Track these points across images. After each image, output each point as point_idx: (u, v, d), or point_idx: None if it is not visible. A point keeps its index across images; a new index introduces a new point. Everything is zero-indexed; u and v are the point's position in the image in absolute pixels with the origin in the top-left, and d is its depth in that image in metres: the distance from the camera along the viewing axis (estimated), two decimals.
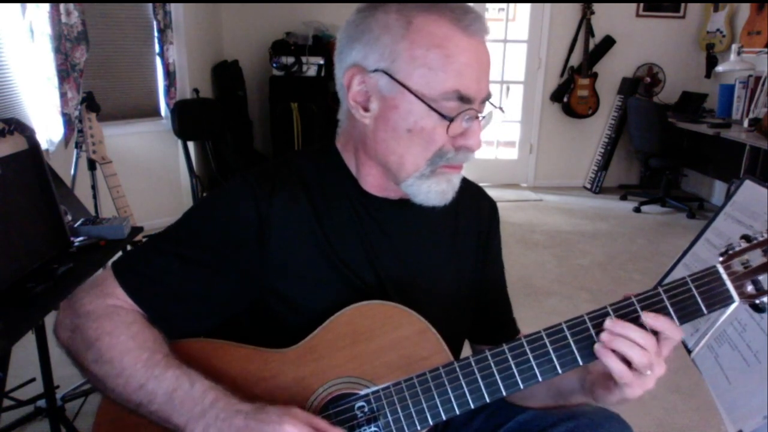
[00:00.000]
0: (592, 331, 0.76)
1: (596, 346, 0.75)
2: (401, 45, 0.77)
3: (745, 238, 0.75)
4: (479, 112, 0.81)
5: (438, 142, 0.80)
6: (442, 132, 0.79)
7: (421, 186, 0.82)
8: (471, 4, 0.80)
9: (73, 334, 0.79)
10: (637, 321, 0.74)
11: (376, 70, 0.79)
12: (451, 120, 0.78)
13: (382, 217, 0.89)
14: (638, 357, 0.72)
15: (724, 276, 0.74)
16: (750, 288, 0.74)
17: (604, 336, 0.74)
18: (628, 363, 0.73)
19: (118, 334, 0.77)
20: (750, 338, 0.91)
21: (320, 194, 0.87)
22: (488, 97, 0.82)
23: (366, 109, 0.82)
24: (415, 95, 0.77)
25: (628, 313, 0.75)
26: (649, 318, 0.73)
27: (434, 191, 0.83)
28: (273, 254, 0.83)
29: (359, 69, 0.80)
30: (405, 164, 0.81)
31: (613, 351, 0.73)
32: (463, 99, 0.78)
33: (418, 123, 0.78)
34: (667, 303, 0.75)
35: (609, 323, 0.74)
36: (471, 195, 0.97)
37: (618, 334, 0.73)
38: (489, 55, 0.81)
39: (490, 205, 1.03)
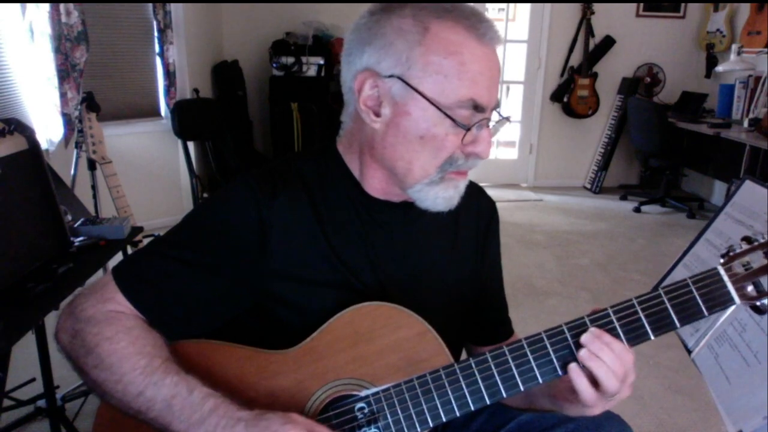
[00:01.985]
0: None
1: (570, 365, 0.75)
2: (417, 51, 0.76)
3: (746, 239, 0.75)
4: (489, 119, 0.82)
5: (449, 149, 0.80)
6: (453, 139, 0.79)
7: (428, 192, 0.82)
8: (472, 5, 0.80)
9: (73, 340, 0.79)
10: (639, 328, 0.75)
11: (390, 76, 0.78)
12: (467, 129, 0.78)
13: (383, 219, 0.89)
14: (608, 381, 0.73)
15: (725, 278, 0.74)
16: (751, 290, 0.74)
17: (582, 353, 0.75)
18: (595, 383, 0.75)
19: (117, 339, 0.77)
20: (750, 338, 0.91)
21: (321, 196, 0.87)
22: (497, 105, 0.82)
23: (377, 114, 0.81)
24: (430, 102, 0.77)
25: (629, 314, 0.75)
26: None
27: (441, 197, 0.83)
28: (274, 256, 0.83)
29: (372, 73, 0.80)
30: (413, 170, 0.81)
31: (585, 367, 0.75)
32: (477, 107, 0.78)
33: (431, 130, 0.78)
34: (668, 305, 0.75)
35: (588, 338, 0.75)
36: (471, 195, 0.96)
37: (595, 355, 0.74)
38: (500, 64, 0.81)
39: (490, 206, 1.03)
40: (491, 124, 0.83)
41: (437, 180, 0.81)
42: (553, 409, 0.87)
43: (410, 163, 0.81)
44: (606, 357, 0.73)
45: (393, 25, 0.78)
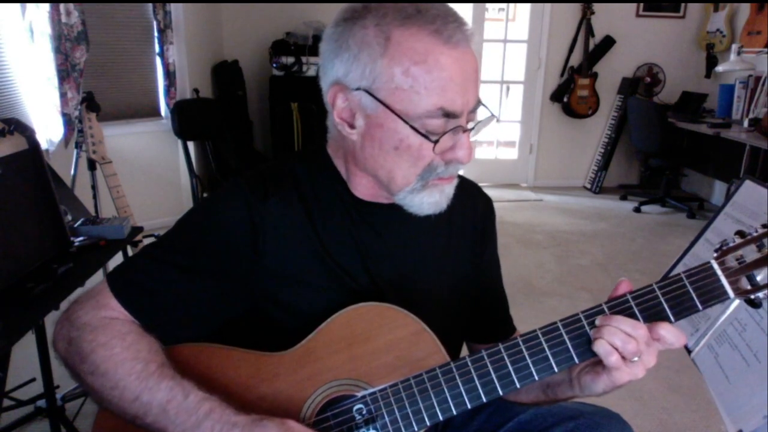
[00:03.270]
0: (587, 329, 0.76)
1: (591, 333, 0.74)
2: (380, 63, 0.74)
3: (740, 233, 0.75)
4: (469, 121, 0.80)
5: (426, 159, 0.78)
6: (429, 148, 0.77)
7: (413, 199, 0.82)
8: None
9: (69, 346, 0.79)
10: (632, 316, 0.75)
11: (358, 89, 0.77)
12: (435, 141, 0.76)
13: (374, 219, 0.88)
14: (622, 344, 0.72)
15: (719, 272, 0.74)
16: (745, 283, 0.73)
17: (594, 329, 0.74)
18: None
19: (112, 345, 0.77)
20: (750, 338, 0.91)
21: (313, 197, 0.86)
22: (477, 105, 0.80)
23: (352, 126, 0.81)
24: (398, 115, 0.75)
25: (623, 309, 0.76)
26: (659, 328, 0.73)
27: (427, 203, 0.82)
28: (267, 258, 0.83)
29: (341, 87, 0.79)
30: (395, 179, 0.81)
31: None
32: (449, 115, 0.76)
33: (404, 141, 0.77)
34: (662, 299, 0.75)
35: (600, 316, 0.75)
36: (466, 193, 0.96)
37: (605, 324, 0.73)
38: (475, 62, 0.78)
39: (486, 203, 1.02)
40: (477, 122, 0.81)
41: (419, 188, 0.81)
42: (574, 394, 0.84)
43: (391, 172, 0.80)
44: (614, 323, 0.73)
45: (356, 36, 0.76)
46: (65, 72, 2.84)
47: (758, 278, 0.73)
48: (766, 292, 0.73)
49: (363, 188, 0.87)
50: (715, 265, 0.74)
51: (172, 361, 0.80)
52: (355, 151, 0.83)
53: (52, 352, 0.82)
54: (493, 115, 0.85)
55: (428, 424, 0.78)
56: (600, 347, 0.73)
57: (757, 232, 0.74)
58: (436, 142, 0.76)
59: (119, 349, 0.77)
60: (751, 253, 0.74)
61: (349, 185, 0.88)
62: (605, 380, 0.76)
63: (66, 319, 0.81)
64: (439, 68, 0.74)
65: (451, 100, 0.75)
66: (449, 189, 0.84)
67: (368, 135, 0.79)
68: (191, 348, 0.84)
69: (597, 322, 0.75)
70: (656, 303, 0.75)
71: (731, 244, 0.75)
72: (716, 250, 0.75)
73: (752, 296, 0.73)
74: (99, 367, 0.76)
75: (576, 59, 5.09)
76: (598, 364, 0.77)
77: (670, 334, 0.73)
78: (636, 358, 0.73)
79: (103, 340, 0.77)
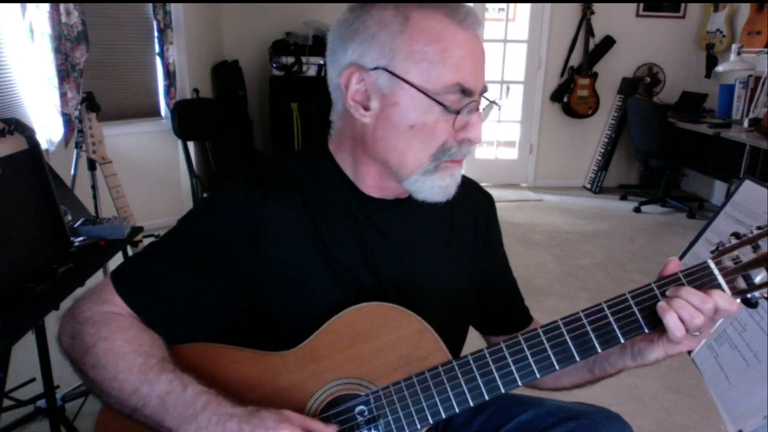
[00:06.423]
0: (588, 328, 0.77)
1: (659, 304, 0.75)
2: (400, 41, 0.77)
3: (735, 235, 0.76)
4: (479, 104, 0.82)
5: (441, 137, 0.80)
6: (444, 126, 0.79)
7: (424, 182, 0.82)
8: (471, 4, 0.81)
9: (73, 341, 0.80)
10: (633, 322, 0.76)
11: (375, 68, 0.79)
12: (456, 113, 0.78)
13: (377, 217, 0.89)
14: (690, 317, 0.72)
15: (716, 271, 0.75)
16: (741, 283, 0.75)
17: (661, 302, 0.75)
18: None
19: (113, 339, 0.78)
20: (750, 338, 0.91)
21: (314, 196, 0.87)
22: (485, 90, 0.83)
23: (366, 108, 0.81)
24: (418, 89, 0.77)
25: (624, 309, 0.76)
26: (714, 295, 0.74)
27: (438, 186, 0.83)
28: (269, 258, 0.83)
29: (357, 68, 0.80)
30: (407, 161, 0.81)
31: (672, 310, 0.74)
32: (465, 91, 0.78)
33: (421, 118, 0.78)
34: (660, 299, 0.76)
35: (672, 289, 0.75)
36: (466, 190, 0.96)
37: (677, 296, 0.74)
38: (483, 48, 0.82)
39: (486, 198, 1.03)
40: (480, 109, 0.83)
41: (432, 169, 0.81)
42: (627, 365, 0.85)
43: (403, 153, 0.81)
44: (692, 298, 0.73)
45: (374, 17, 0.79)
46: (65, 72, 2.84)
47: (755, 279, 0.74)
48: (762, 291, 0.74)
49: (370, 179, 0.87)
50: (712, 265, 0.75)
51: (175, 361, 0.80)
52: (366, 137, 0.83)
53: (52, 352, 0.83)
54: (494, 102, 0.87)
55: (431, 421, 0.78)
56: (671, 321, 0.73)
57: (752, 233, 0.75)
58: (457, 113, 0.78)
59: (121, 342, 0.78)
60: (746, 254, 0.75)
61: (356, 179, 0.88)
62: (660, 350, 0.78)
63: (70, 314, 0.82)
64: (455, 46, 0.77)
65: (466, 78, 0.78)
66: (458, 173, 0.85)
67: (383, 116, 0.80)
68: (194, 348, 0.84)
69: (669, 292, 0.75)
70: (656, 302, 0.75)
71: (727, 245, 0.76)
72: (713, 251, 0.77)
73: (748, 296, 0.75)
74: (100, 360, 0.77)
75: (576, 59, 5.09)
76: (654, 332, 0.77)
77: (724, 300, 0.74)
78: (697, 333, 0.74)
79: (105, 334, 0.78)
